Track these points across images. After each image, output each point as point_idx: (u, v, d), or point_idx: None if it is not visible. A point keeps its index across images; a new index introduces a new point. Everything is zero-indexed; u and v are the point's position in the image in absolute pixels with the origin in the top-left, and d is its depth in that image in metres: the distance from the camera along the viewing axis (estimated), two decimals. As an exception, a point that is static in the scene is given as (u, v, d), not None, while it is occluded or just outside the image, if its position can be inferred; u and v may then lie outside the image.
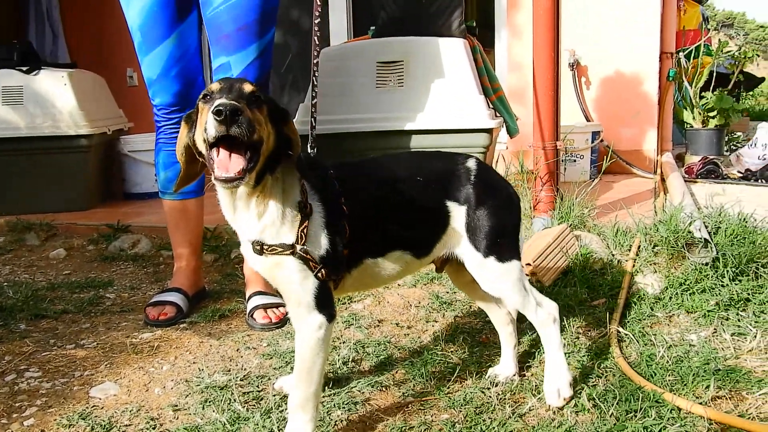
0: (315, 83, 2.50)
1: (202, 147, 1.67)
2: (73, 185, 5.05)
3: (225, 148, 1.60)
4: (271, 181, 1.73)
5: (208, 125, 1.56)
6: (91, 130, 4.98)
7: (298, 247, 1.72)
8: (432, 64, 3.57)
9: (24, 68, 5.01)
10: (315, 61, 2.40)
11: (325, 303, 1.79)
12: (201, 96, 1.69)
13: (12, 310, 2.98)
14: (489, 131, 3.48)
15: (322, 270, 1.75)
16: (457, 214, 1.98)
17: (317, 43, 2.46)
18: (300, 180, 1.77)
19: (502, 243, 1.99)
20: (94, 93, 5.36)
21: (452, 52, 3.58)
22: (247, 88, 1.66)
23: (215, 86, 1.67)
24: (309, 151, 2.20)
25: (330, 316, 1.80)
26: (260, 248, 1.75)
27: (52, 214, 4.74)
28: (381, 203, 1.90)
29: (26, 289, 3.28)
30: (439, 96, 3.55)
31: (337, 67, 3.73)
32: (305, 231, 1.73)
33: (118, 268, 3.82)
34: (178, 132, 2.83)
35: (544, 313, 2.08)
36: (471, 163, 2.04)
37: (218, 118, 1.52)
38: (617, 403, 1.98)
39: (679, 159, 6.28)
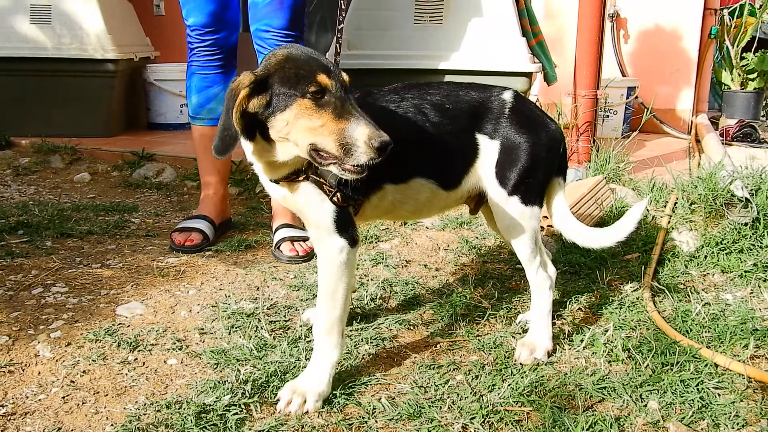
0: (343, 6, 2.42)
1: (302, 139, 1.57)
2: (98, 111, 4.99)
3: None
4: None
5: (357, 152, 1.50)
6: (118, 55, 4.89)
7: (310, 171, 1.68)
8: (473, 2, 3.44)
9: (52, -13, 4.90)
10: None
11: (345, 227, 1.74)
12: (308, 88, 1.55)
13: (38, 227, 2.96)
14: (528, 75, 3.37)
15: (338, 194, 1.70)
16: (488, 147, 1.91)
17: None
18: None
19: (531, 183, 1.92)
20: (122, 18, 5.26)
21: (495, -9, 3.45)
22: (347, 80, 1.61)
23: (326, 81, 1.55)
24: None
25: (352, 240, 1.75)
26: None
27: (77, 139, 4.69)
28: (403, 127, 1.82)
29: (52, 209, 3.26)
30: (479, 36, 3.43)
31: (375, -1, 3.61)
32: None
33: (143, 194, 3.79)
34: (211, 55, 2.78)
35: (544, 276, 2.04)
36: (507, 95, 1.95)
37: (377, 157, 1.51)
38: (653, 356, 1.94)
39: (712, 122, 6.12)
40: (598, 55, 3.33)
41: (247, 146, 1.70)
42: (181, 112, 5.41)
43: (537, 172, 1.92)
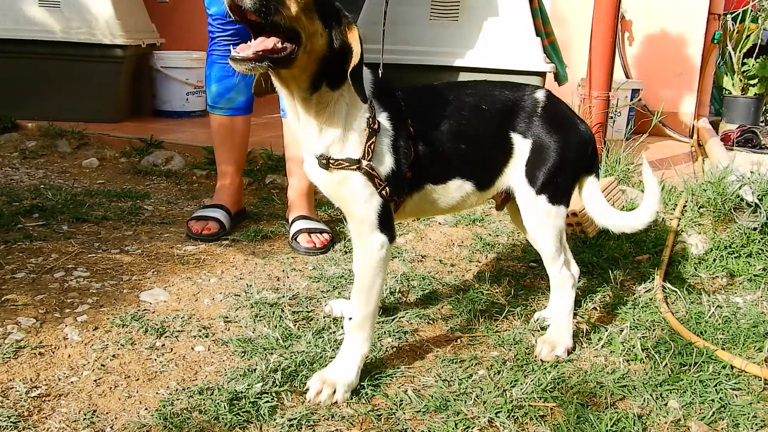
0: (386, 9, 2.44)
1: None
2: (104, 96, 4.97)
3: (255, 31, 1.54)
4: (332, 95, 1.68)
5: None
6: (127, 41, 4.87)
7: (365, 162, 1.69)
8: (489, 0, 3.46)
9: (62, -30, 4.87)
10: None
11: (387, 223, 1.77)
12: None
13: (53, 211, 2.97)
14: (542, 75, 3.40)
15: (387, 188, 1.73)
16: (520, 146, 1.94)
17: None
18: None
19: (559, 183, 1.96)
20: (130, 4, 5.23)
21: (511, -11, 3.47)
22: None
23: None
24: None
25: (391, 237, 1.79)
26: (326, 162, 1.72)
27: (83, 123, 4.68)
28: (446, 129, 1.86)
29: (64, 193, 3.26)
30: (494, 34, 3.45)
31: (391, -6, 3.61)
32: (372, 147, 1.70)
33: (152, 182, 3.79)
34: (232, 44, 2.78)
35: (567, 275, 2.07)
36: (540, 95, 1.98)
37: None
38: (670, 356, 1.98)
39: (712, 126, 6.17)
40: (611, 57, 3.37)
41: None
42: (187, 100, 5.40)
43: (565, 172, 1.95)
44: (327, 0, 1.63)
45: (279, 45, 1.54)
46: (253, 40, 1.56)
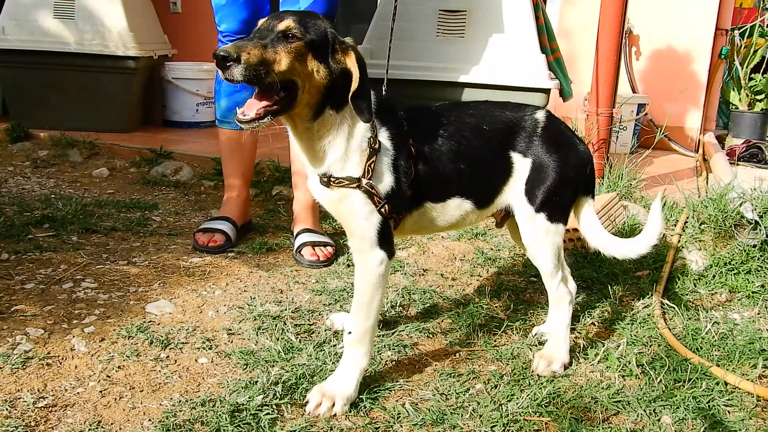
0: (393, 26, 2.49)
1: None
2: (116, 107, 5.05)
3: (256, 89, 1.63)
4: (335, 117, 1.73)
5: None
6: (139, 53, 4.96)
7: (364, 180, 1.74)
8: (495, 17, 3.51)
9: (76, -17, 4.97)
10: (395, 5, 2.37)
11: (386, 240, 1.82)
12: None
13: (63, 221, 3.03)
14: (547, 91, 3.44)
15: (386, 206, 1.77)
16: (520, 166, 1.98)
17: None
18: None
19: (557, 201, 2.00)
20: (143, 15, 5.32)
21: (516, 6, 3.51)
22: (281, 26, 1.63)
23: (260, 22, 1.68)
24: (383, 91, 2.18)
25: (390, 253, 1.83)
26: (327, 180, 1.76)
27: (95, 133, 4.76)
28: (447, 149, 1.90)
29: (74, 204, 3.32)
30: (499, 51, 3.50)
31: (398, 10, 3.66)
32: (372, 166, 1.75)
33: (161, 192, 3.86)
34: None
35: (565, 291, 2.11)
36: (540, 115, 2.02)
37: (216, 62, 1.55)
38: (665, 372, 2.01)
39: (719, 140, 6.19)
40: (616, 75, 3.41)
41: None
42: (197, 110, 5.48)
43: (564, 191, 1.99)
44: (318, 35, 1.67)
45: (278, 97, 1.63)
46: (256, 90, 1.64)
